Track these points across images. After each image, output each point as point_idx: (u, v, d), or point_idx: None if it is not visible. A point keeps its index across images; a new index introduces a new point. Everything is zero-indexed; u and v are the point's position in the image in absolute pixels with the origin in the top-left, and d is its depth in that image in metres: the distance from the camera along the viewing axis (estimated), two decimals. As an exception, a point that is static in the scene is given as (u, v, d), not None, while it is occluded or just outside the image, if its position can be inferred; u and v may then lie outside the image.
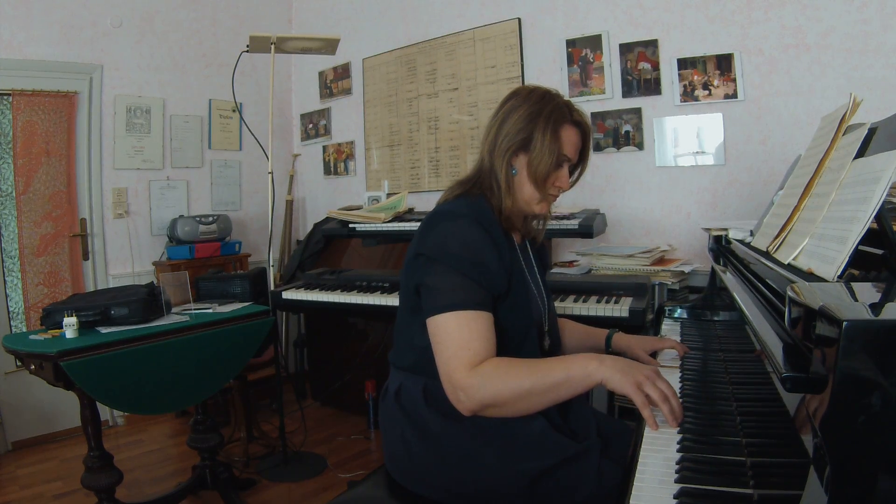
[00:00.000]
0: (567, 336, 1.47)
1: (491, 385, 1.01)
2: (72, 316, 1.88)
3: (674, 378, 1.18)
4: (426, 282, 1.10)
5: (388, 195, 3.03)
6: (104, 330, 1.97)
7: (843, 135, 0.99)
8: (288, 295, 2.54)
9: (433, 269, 1.10)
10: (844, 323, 0.50)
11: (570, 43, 2.82)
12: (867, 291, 0.67)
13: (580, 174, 1.31)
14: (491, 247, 1.12)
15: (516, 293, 1.17)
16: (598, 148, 2.76)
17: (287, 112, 4.24)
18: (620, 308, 1.90)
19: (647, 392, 0.96)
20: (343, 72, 3.86)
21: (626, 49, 2.66)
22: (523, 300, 1.19)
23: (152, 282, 2.76)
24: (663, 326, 1.67)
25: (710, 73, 2.45)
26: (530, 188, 1.20)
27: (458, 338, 1.04)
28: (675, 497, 0.74)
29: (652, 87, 2.61)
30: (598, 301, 2.00)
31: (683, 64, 2.51)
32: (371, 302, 2.34)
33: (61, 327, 1.89)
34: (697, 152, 2.53)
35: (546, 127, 1.17)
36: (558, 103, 1.20)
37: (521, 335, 1.18)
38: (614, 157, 2.74)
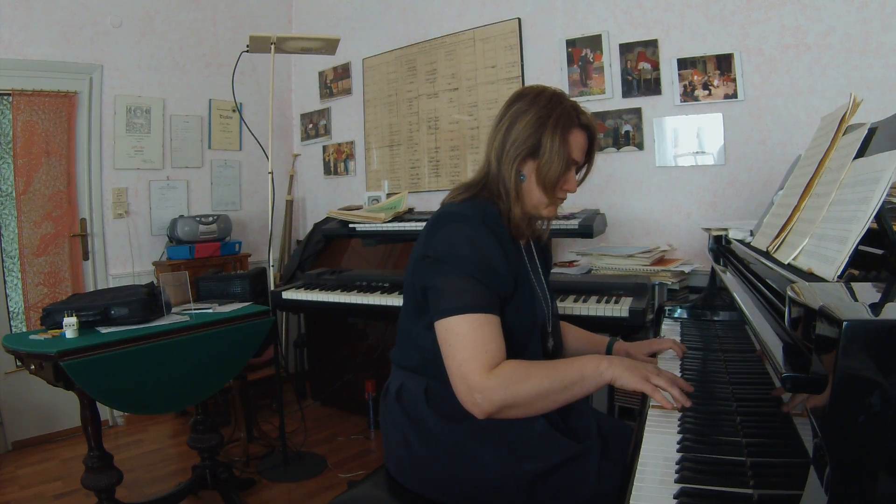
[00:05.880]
0: (569, 340, 1.47)
1: (511, 386, 1.02)
2: (72, 316, 1.89)
3: (674, 378, 1.18)
4: (434, 284, 1.10)
5: (388, 195, 3.03)
6: (104, 330, 1.98)
7: (843, 135, 0.98)
8: (288, 295, 2.54)
9: (441, 271, 1.09)
10: (844, 323, 0.50)
11: (570, 43, 2.82)
12: (867, 291, 0.67)
13: (586, 174, 1.30)
14: (498, 249, 1.12)
15: (521, 296, 1.17)
16: (598, 148, 2.74)
17: (287, 112, 4.24)
18: (620, 308, 1.90)
19: (655, 383, 1.02)
20: (343, 72, 3.86)
21: (626, 49, 2.66)
22: (528, 302, 1.19)
23: (152, 282, 2.77)
24: (663, 326, 1.67)
25: (710, 73, 2.45)
26: (539, 193, 1.20)
27: (473, 340, 1.04)
28: (675, 497, 0.74)
29: (652, 87, 2.61)
30: (598, 301, 1.99)
31: (683, 64, 2.51)
32: (371, 302, 2.34)
33: (61, 327, 1.89)
34: (697, 152, 2.53)
35: (555, 132, 1.16)
36: (566, 107, 1.18)
37: (526, 337, 1.18)
38: (614, 157, 2.74)
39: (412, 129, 3.50)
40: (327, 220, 3.08)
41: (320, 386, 3.56)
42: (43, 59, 3.08)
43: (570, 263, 2.51)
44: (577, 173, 1.26)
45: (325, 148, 4.04)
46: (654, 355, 1.36)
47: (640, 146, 2.67)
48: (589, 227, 2.19)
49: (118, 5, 3.34)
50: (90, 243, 3.31)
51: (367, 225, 2.61)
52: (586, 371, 1.05)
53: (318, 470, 2.64)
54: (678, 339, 1.52)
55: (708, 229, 1.84)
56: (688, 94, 2.51)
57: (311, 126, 4.14)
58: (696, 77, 2.48)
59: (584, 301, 2.00)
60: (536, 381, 1.03)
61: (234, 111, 3.81)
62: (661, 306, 1.77)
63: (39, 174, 3.09)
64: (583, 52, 2.79)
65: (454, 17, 3.25)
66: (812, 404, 0.60)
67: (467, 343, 1.04)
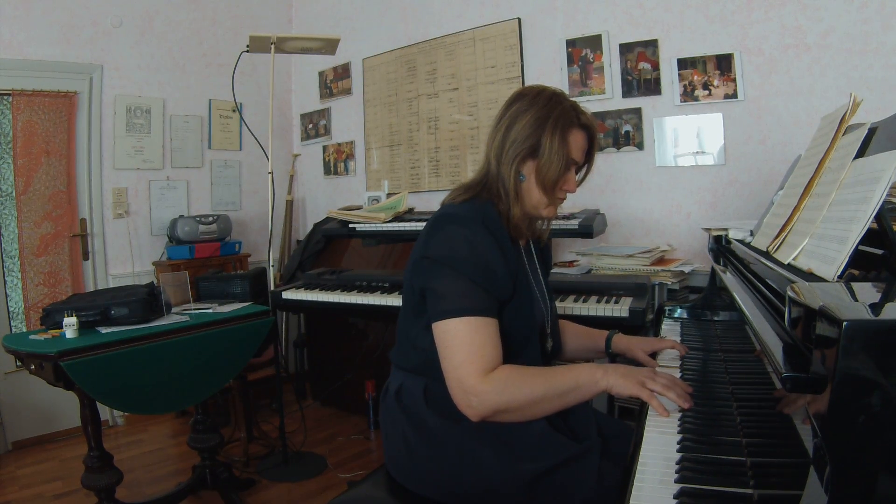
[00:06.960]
0: (568, 337, 1.47)
1: (506, 391, 1.03)
2: (72, 316, 1.88)
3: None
4: (433, 286, 1.10)
5: (388, 195, 3.03)
6: (104, 330, 1.97)
7: (843, 135, 0.98)
8: (288, 295, 2.54)
9: (440, 273, 1.09)
10: (844, 323, 0.50)
11: (570, 43, 2.82)
12: (867, 291, 0.67)
13: (586, 174, 1.30)
14: (497, 251, 1.12)
15: (520, 297, 1.17)
16: (599, 148, 2.75)
17: (287, 112, 4.24)
18: (620, 308, 1.90)
19: (651, 388, 1.01)
20: (343, 72, 3.86)
21: (626, 49, 2.66)
22: (527, 304, 1.19)
23: (152, 282, 2.76)
24: (663, 326, 1.67)
25: (710, 73, 2.45)
26: (539, 194, 1.20)
27: (470, 344, 1.04)
28: (675, 497, 0.74)
29: (652, 87, 2.61)
30: (598, 301, 1.99)
31: (683, 64, 2.51)
32: (371, 302, 2.34)
33: (61, 327, 1.89)
34: (697, 152, 2.53)
35: (554, 132, 1.15)
36: (565, 107, 1.18)
37: (524, 339, 1.17)
38: (614, 157, 2.74)
39: (412, 129, 3.50)
40: (327, 220, 3.08)
41: (320, 386, 3.56)
42: (43, 59, 3.08)
43: (570, 263, 2.51)
44: (577, 173, 1.26)
45: (325, 148, 4.04)
46: (654, 354, 1.36)
47: (640, 146, 2.67)
48: (589, 227, 2.19)
49: (118, 5, 3.34)
50: (90, 243, 3.31)
51: (367, 225, 2.61)
52: (582, 379, 1.05)
53: (318, 470, 2.64)
54: (678, 339, 1.52)
55: (708, 229, 1.84)
56: (688, 94, 2.51)
57: (311, 126, 4.14)
58: (696, 77, 2.48)
59: (584, 301, 2.00)
60: (532, 387, 1.03)
61: (234, 111, 3.81)
62: (661, 306, 1.77)
63: (39, 174, 3.09)
64: (583, 52, 2.79)
65: (454, 17, 3.25)
66: (812, 405, 0.60)
67: (464, 346, 1.04)
